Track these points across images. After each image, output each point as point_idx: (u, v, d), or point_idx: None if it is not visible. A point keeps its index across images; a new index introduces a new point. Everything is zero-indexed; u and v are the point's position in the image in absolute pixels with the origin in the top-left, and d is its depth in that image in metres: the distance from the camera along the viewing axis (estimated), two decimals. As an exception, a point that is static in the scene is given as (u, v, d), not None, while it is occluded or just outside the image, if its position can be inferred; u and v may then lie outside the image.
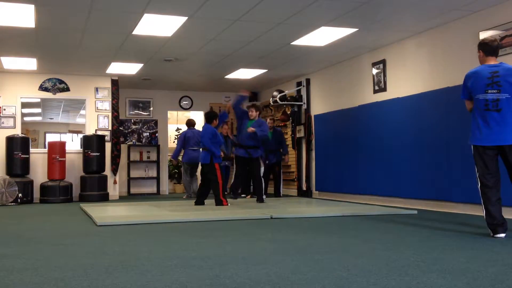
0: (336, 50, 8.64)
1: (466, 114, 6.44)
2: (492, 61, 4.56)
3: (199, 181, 9.19)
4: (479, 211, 6.36)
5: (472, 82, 4.53)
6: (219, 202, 7.69)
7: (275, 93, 10.65)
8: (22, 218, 6.96)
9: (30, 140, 10.15)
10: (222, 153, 8.58)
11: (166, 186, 12.75)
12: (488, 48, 4.58)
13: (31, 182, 9.85)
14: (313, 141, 10.49)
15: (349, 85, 9.37)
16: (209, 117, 7.94)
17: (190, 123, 10.97)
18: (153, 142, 12.69)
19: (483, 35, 6.43)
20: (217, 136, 7.92)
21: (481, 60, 4.65)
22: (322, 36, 7.73)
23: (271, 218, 6.19)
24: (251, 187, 9.79)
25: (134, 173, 12.52)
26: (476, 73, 4.56)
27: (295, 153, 11.03)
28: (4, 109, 10.22)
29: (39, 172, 10.25)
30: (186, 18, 6.76)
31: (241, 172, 8.85)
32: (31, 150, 10.14)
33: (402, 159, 7.81)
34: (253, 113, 8.67)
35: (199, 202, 7.97)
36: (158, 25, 7.08)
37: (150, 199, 10.57)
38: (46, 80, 10.50)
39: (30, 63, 9.47)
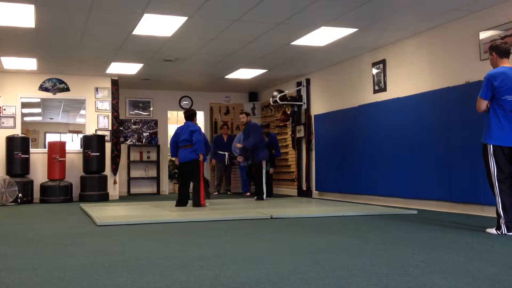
0: (336, 50, 8.64)
1: (466, 114, 6.47)
2: (506, 63, 4.59)
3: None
4: (479, 211, 6.37)
5: (500, 82, 4.50)
6: (197, 203, 7.69)
7: (275, 93, 10.65)
8: (22, 218, 6.96)
9: (30, 140, 10.15)
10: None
11: (166, 186, 12.74)
12: (502, 50, 4.61)
13: (31, 182, 9.85)
14: (313, 141, 10.49)
15: (349, 85, 9.37)
16: (189, 115, 7.99)
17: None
18: (153, 142, 12.69)
19: (483, 35, 6.43)
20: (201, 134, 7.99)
21: (495, 63, 4.65)
22: (322, 36, 7.73)
23: (271, 218, 6.20)
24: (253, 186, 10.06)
25: (134, 173, 12.52)
26: (503, 74, 4.53)
27: (295, 153, 11.03)
28: (4, 109, 10.22)
29: (39, 172, 10.25)
30: (186, 18, 6.76)
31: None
32: (31, 150, 10.14)
33: (402, 159, 7.81)
34: (245, 119, 9.43)
35: (183, 203, 7.90)
36: (158, 25, 7.08)
37: (150, 199, 10.57)
38: (46, 80, 10.50)
39: (30, 63, 9.47)
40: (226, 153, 11.53)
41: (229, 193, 12.07)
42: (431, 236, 4.60)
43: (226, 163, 11.78)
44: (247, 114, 9.55)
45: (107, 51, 8.67)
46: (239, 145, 9.50)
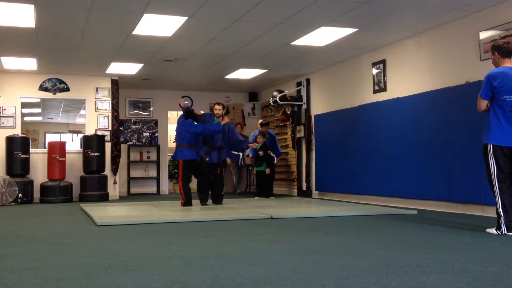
0: (336, 50, 8.64)
1: (466, 114, 6.47)
2: (508, 63, 4.59)
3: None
4: (479, 211, 6.37)
5: (500, 82, 4.50)
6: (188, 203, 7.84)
7: (275, 93, 10.64)
8: (22, 218, 6.96)
9: (30, 140, 10.15)
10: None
11: (166, 186, 12.75)
12: (504, 50, 4.62)
13: (31, 182, 9.85)
14: (313, 141, 10.49)
15: (349, 85, 9.37)
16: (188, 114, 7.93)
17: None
18: (153, 142, 12.69)
19: (483, 35, 6.43)
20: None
21: (496, 62, 4.66)
22: (322, 36, 7.73)
23: (271, 218, 6.20)
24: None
25: (134, 173, 12.52)
26: (503, 74, 4.53)
27: (295, 153, 11.04)
28: (4, 109, 10.22)
29: (39, 172, 10.24)
30: (186, 18, 6.76)
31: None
32: (31, 150, 10.14)
33: (402, 159, 7.81)
34: (221, 111, 8.05)
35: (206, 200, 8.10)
36: (158, 25, 7.08)
37: (150, 199, 10.57)
38: (46, 80, 10.50)
39: (30, 63, 9.47)
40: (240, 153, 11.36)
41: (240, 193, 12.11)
42: (431, 236, 4.60)
43: (240, 164, 11.67)
44: (224, 107, 8.20)
45: (107, 51, 8.67)
46: (252, 145, 9.08)
